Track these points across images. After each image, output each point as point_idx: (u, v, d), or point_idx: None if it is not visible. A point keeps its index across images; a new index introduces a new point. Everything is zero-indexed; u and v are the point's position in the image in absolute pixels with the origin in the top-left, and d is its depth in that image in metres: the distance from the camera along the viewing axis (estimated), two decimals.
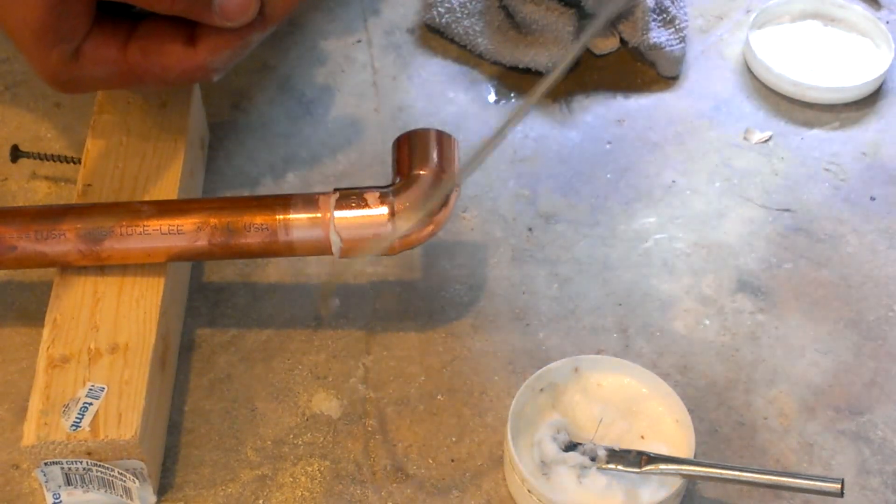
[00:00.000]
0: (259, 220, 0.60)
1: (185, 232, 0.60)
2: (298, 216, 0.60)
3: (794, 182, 0.74)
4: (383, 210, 0.60)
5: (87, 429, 0.56)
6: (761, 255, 0.70)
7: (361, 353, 0.65)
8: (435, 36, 0.83)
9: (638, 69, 0.81)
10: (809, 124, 0.78)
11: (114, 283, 0.62)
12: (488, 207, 0.72)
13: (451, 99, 0.79)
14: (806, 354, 0.65)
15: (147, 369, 0.58)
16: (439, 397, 0.63)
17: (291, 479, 0.60)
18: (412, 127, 0.65)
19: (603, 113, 0.78)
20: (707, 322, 0.67)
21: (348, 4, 0.85)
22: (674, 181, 0.74)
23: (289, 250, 0.61)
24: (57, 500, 0.58)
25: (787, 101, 0.79)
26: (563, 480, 0.58)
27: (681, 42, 0.80)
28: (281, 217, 0.60)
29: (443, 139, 0.63)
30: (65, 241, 0.60)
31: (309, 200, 0.61)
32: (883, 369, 0.65)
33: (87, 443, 0.55)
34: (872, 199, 0.73)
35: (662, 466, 0.57)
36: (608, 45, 0.81)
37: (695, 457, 0.58)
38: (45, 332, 0.60)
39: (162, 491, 0.59)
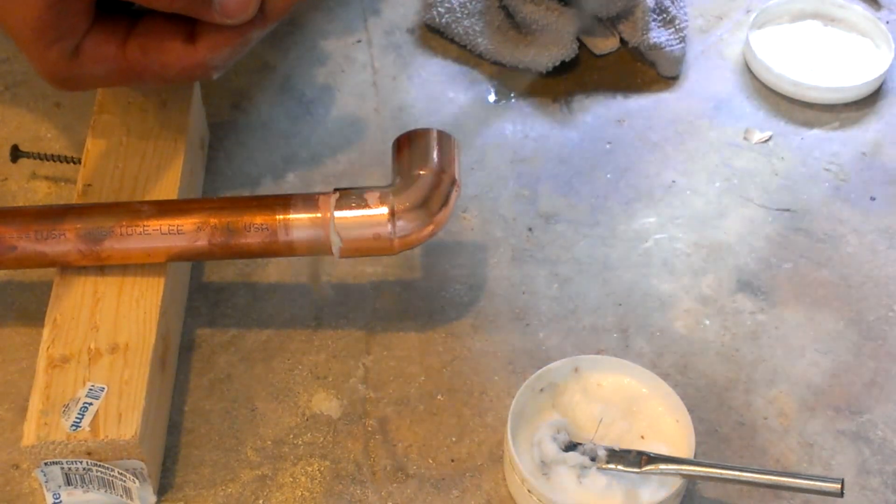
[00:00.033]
0: (259, 220, 0.60)
1: (185, 232, 0.60)
2: (298, 216, 0.60)
3: (794, 182, 0.74)
4: (383, 210, 0.60)
5: (87, 429, 0.56)
6: (761, 255, 0.70)
7: (361, 353, 0.65)
8: (435, 36, 0.83)
9: (638, 69, 0.81)
10: (809, 124, 0.78)
11: (114, 283, 0.62)
12: (488, 207, 0.72)
13: (451, 99, 0.79)
14: (806, 354, 0.65)
15: (147, 369, 0.58)
16: (439, 397, 0.63)
17: (291, 479, 0.60)
18: (412, 127, 0.65)
19: (603, 113, 0.78)
20: (707, 322, 0.67)
21: (348, 4, 0.85)
22: (674, 181, 0.74)
23: (289, 250, 0.61)
24: (57, 500, 0.58)
25: (787, 101, 0.79)
26: (563, 480, 0.58)
27: (681, 42, 0.80)
28: (281, 217, 0.60)
29: (443, 139, 0.63)
30: (65, 241, 0.60)
31: (309, 200, 0.61)
32: (883, 369, 0.65)
33: (87, 443, 0.55)
34: (872, 199, 0.73)
35: (662, 466, 0.57)
36: (608, 45, 0.82)
37: (695, 457, 0.58)
38: (45, 332, 0.60)
39: (162, 491, 0.59)
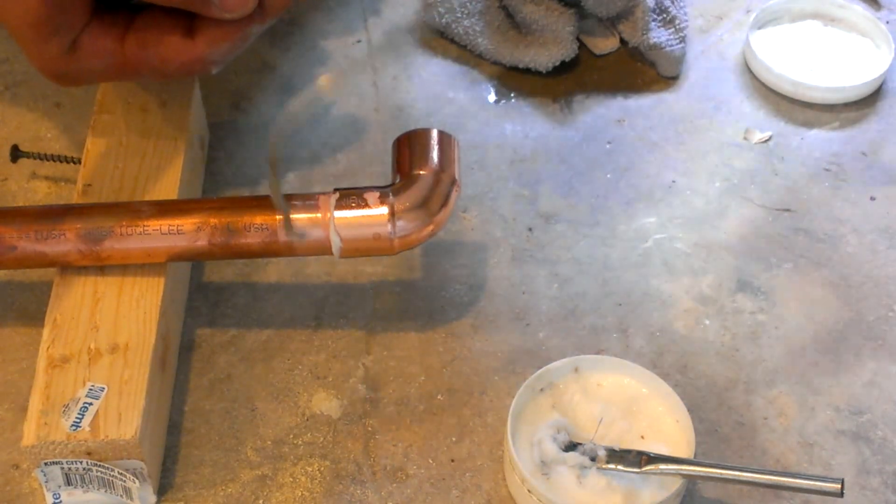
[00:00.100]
0: (259, 220, 0.60)
1: (185, 232, 0.60)
2: (298, 216, 0.60)
3: (794, 182, 0.74)
4: (383, 210, 0.60)
5: (87, 429, 0.56)
6: (761, 255, 0.70)
7: (361, 353, 0.65)
8: (435, 36, 0.83)
9: (638, 69, 0.81)
10: (809, 124, 0.78)
11: (114, 283, 0.62)
12: (488, 207, 0.72)
13: (451, 99, 0.79)
14: (806, 354, 0.65)
15: (147, 369, 0.58)
16: (439, 397, 0.63)
17: (291, 479, 0.60)
18: (412, 127, 0.65)
19: (603, 113, 0.78)
20: (707, 322, 0.67)
21: (348, 4, 0.85)
22: (674, 181, 0.74)
23: (289, 250, 0.61)
24: (57, 500, 0.58)
25: (787, 101, 0.79)
26: (563, 480, 0.58)
27: (681, 42, 0.80)
28: (281, 217, 0.60)
29: (443, 139, 0.63)
30: (65, 241, 0.60)
31: (309, 200, 0.61)
32: (883, 369, 0.65)
33: (87, 443, 0.55)
34: (872, 199, 0.73)
35: (662, 466, 0.57)
36: (608, 45, 0.82)
37: (695, 457, 0.58)
38: (45, 332, 0.60)
39: (162, 491, 0.59)
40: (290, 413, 0.62)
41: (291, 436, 0.62)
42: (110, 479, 0.57)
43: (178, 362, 0.64)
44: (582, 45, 0.81)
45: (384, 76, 0.80)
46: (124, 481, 0.57)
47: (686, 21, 0.82)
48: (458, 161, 0.63)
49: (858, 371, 0.65)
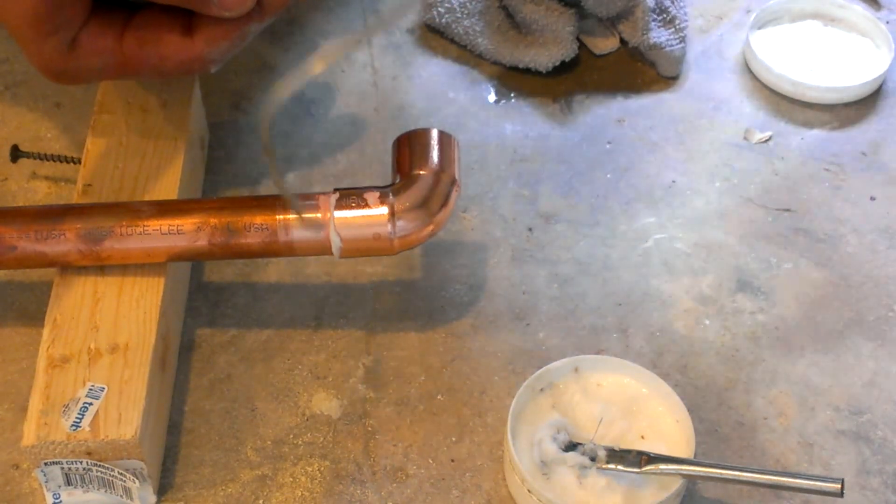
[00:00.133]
0: (259, 220, 0.60)
1: (185, 232, 0.60)
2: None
3: (794, 182, 0.74)
4: (383, 210, 0.60)
5: (87, 429, 0.56)
6: (761, 255, 0.70)
7: (361, 353, 0.65)
8: (435, 36, 0.83)
9: (638, 69, 0.81)
10: (809, 124, 0.78)
11: (114, 283, 0.62)
12: (488, 207, 0.72)
13: (451, 99, 0.79)
14: (806, 354, 0.65)
15: (147, 369, 0.58)
16: (439, 397, 0.63)
17: (291, 479, 0.60)
18: (412, 127, 0.65)
19: (603, 113, 0.78)
20: (707, 322, 0.67)
21: (348, 4, 0.85)
22: (674, 181, 0.74)
23: (289, 250, 0.61)
24: (57, 500, 0.58)
25: (787, 101, 0.79)
26: (563, 480, 0.58)
27: (681, 42, 0.80)
28: (281, 217, 0.60)
29: (443, 139, 0.63)
30: (65, 241, 0.60)
31: (309, 200, 0.61)
32: (883, 369, 0.65)
33: (87, 443, 0.55)
34: (872, 199, 0.73)
35: (662, 466, 0.57)
36: (608, 45, 0.82)
37: (695, 457, 0.58)
38: (45, 332, 0.60)
39: (162, 491, 0.59)
40: (290, 413, 0.62)
41: (291, 436, 0.62)
42: (110, 479, 0.57)
43: (178, 362, 0.64)
44: (582, 45, 0.81)
45: (384, 76, 0.80)
46: (124, 481, 0.57)
47: (686, 21, 0.82)
48: (458, 161, 0.63)
49: (858, 371, 0.65)
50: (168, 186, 0.66)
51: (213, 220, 0.60)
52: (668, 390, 0.60)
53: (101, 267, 0.62)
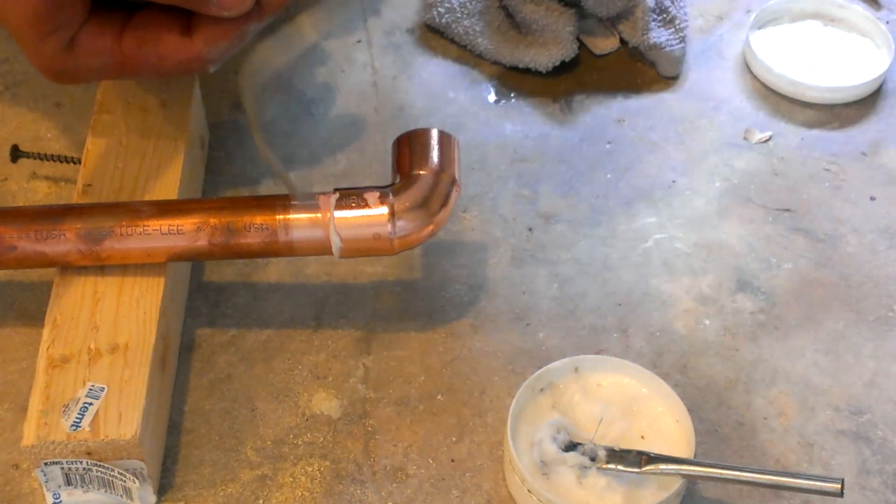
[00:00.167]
0: (259, 220, 0.60)
1: (185, 232, 0.60)
2: (298, 216, 0.60)
3: (794, 182, 0.74)
4: (383, 210, 0.60)
5: (87, 429, 0.56)
6: (761, 255, 0.70)
7: (361, 353, 0.65)
8: (435, 36, 0.83)
9: (638, 69, 0.81)
10: (809, 124, 0.78)
11: (114, 283, 0.62)
12: (488, 207, 0.72)
13: (451, 99, 0.79)
14: (806, 354, 0.65)
15: (147, 369, 0.58)
16: (439, 397, 0.63)
17: (291, 479, 0.60)
18: (412, 127, 0.65)
19: (603, 113, 0.78)
20: (707, 322, 0.67)
21: (348, 4, 0.85)
22: (674, 181, 0.74)
23: (289, 250, 0.61)
24: (57, 500, 0.58)
25: (787, 101, 0.79)
26: (563, 480, 0.58)
27: (681, 42, 0.80)
28: (281, 217, 0.60)
29: (443, 139, 0.63)
30: (65, 241, 0.60)
31: (309, 200, 0.61)
32: (883, 369, 0.65)
33: (87, 443, 0.55)
34: (872, 199, 0.73)
35: (662, 466, 0.57)
36: (608, 45, 0.82)
37: (695, 457, 0.58)
38: (45, 332, 0.60)
39: (162, 491, 0.59)
40: (290, 413, 0.62)
41: (291, 436, 0.62)
42: (110, 479, 0.57)
43: (178, 362, 0.64)
44: (582, 45, 0.81)
45: (384, 76, 0.80)
46: (124, 481, 0.57)
47: (686, 21, 0.82)
48: (458, 161, 0.63)
49: (858, 371, 0.65)
50: (168, 186, 0.66)
51: (213, 220, 0.60)
52: (668, 390, 0.60)
53: (101, 267, 0.62)
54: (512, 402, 0.59)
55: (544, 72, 0.79)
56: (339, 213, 0.60)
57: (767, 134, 0.77)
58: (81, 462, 0.56)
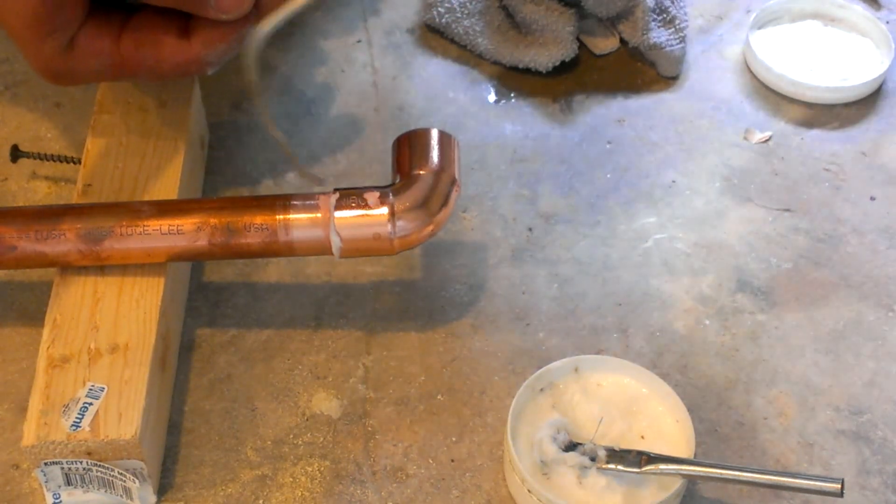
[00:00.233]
0: (259, 220, 0.60)
1: (185, 232, 0.60)
2: (298, 216, 0.60)
3: (794, 182, 0.74)
4: (383, 210, 0.60)
5: (87, 429, 0.56)
6: (761, 255, 0.70)
7: (361, 353, 0.65)
8: (435, 36, 0.83)
9: (638, 69, 0.81)
10: (809, 124, 0.78)
11: (114, 283, 0.62)
12: (488, 207, 0.72)
13: (451, 99, 0.79)
14: (806, 354, 0.65)
15: (147, 369, 0.58)
16: (439, 397, 0.63)
17: (291, 479, 0.60)
18: (412, 127, 0.65)
19: (603, 113, 0.78)
20: (707, 322, 0.67)
21: (348, 4, 0.85)
22: (674, 181, 0.74)
23: (289, 250, 0.61)
24: (57, 500, 0.58)
25: (787, 101, 0.79)
26: (563, 480, 0.58)
27: (681, 42, 0.80)
28: (281, 217, 0.60)
29: (443, 139, 0.63)
30: (65, 241, 0.60)
31: (309, 200, 0.61)
32: (883, 369, 0.65)
33: (87, 443, 0.55)
34: (872, 199, 0.73)
35: (662, 466, 0.57)
36: (608, 45, 0.82)
37: (695, 457, 0.58)
38: (45, 332, 0.60)
39: (162, 491, 0.59)
40: (290, 413, 0.62)
41: (291, 436, 0.62)
42: (110, 479, 0.57)
43: (178, 362, 0.64)
44: (582, 45, 0.81)
45: (384, 76, 0.80)
46: (124, 481, 0.57)
47: (686, 21, 0.82)
48: (458, 161, 0.63)
49: (858, 371, 0.65)
50: (168, 186, 0.66)
51: (213, 220, 0.60)
52: (668, 390, 0.60)
53: (101, 267, 0.62)
54: (512, 402, 0.59)
55: (544, 72, 0.79)
56: (339, 213, 0.60)
57: (767, 134, 0.77)
58: (81, 462, 0.56)
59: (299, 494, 0.59)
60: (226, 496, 0.59)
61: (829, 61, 0.80)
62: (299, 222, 0.60)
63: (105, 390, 0.57)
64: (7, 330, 0.66)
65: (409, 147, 0.63)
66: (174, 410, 0.62)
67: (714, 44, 0.83)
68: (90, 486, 0.57)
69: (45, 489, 0.57)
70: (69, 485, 0.57)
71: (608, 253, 0.70)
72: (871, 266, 0.70)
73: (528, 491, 0.57)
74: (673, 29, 0.80)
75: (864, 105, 0.79)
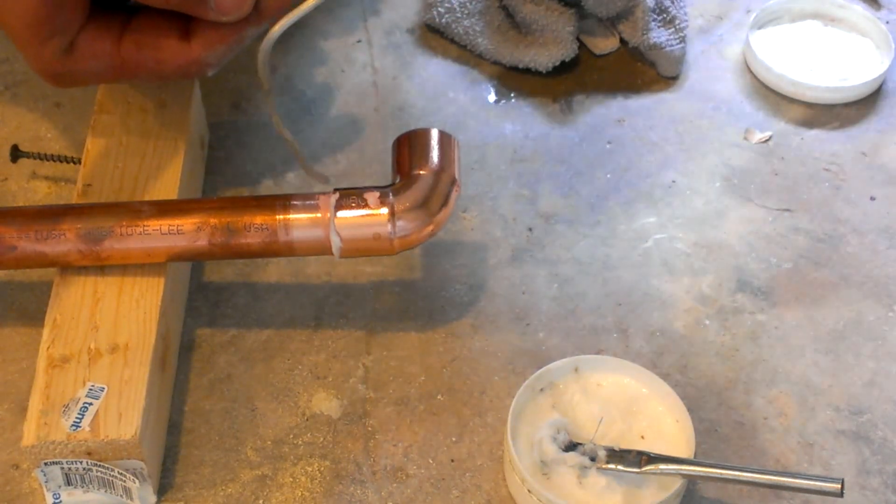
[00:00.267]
0: (259, 220, 0.60)
1: (185, 232, 0.60)
2: (298, 216, 0.60)
3: (794, 182, 0.74)
4: (383, 210, 0.60)
5: (87, 429, 0.56)
6: (761, 255, 0.70)
7: (361, 353, 0.65)
8: (435, 36, 0.83)
9: (638, 69, 0.81)
10: (809, 124, 0.78)
11: (114, 283, 0.62)
12: (488, 207, 0.72)
13: (451, 99, 0.79)
14: (806, 354, 0.65)
15: (147, 369, 0.58)
16: (439, 397, 0.63)
17: (291, 479, 0.60)
18: (412, 127, 0.65)
19: (603, 113, 0.78)
20: (707, 322, 0.67)
21: (348, 4, 0.85)
22: (674, 181, 0.74)
23: (289, 250, 0.61)
24: (57, 500, 0.58)
25: (787, 101, 0.79)
26: (563, 480, 0.58)
27: (681, 42, 0.80)
28: (281, 217, 0.60)
29: (443, 139, 0.63)
30: (65, 241, 0.60)
31: (309, 200, 0.61)
32: (883, 369, 0.65)
33: (87, 443, 0.55)
34: (872, 199, 0.73)
35: (662, 466, 0.57)
36: (608, 45, 0.82)
37: (695, 457, 0.58)
38: (45, 332, 0.60)
39: (162, 491, 0.59)
40: (290, 413, 0.62)
41: (291, 436, 0.62)
42: (110, 479, 0.57)
43: (178, 362, 0.64)
44: (582, 45, 0.81)
45: (384, 76, 0.80)
46: (124, 481, 0.57)
47: (686, 21, 0.82)
48: (458, 161, 0.63)
49: (858, 371, 0.65)
50: (168, 186, 0.66)
51: (213, 220, 0.60)
52: (668, 390, 0.60)
53: (101, 267, 0.62)
54: (512, 402, 0.59)
55: (544, 72, 0.79)
56: (339, 213, 0.60)
57: (767, 134, 0.77)
58: (81, 462, 0.56)
59: (299, 494, 0.59)
60: (226, 496, 0.59)
61: (829, 61, 0.80)
62: (299, 222, 0.60)
63: (105, 390, 0.57)
64: (7, 330, 0.66)
65: (409, 147, 0.63)
66: (174, 410, 0.62)
67: (714, 44, 0.83)
68: (90, 486, 0.57)
69: (45, 489, 0.57)
70: (69, 485, 0.57)
71: (608, 253, 0.70)
72: (871, 266, 0.70)
73: (528, 491, 0.57)
74: (673, 29, 0.80)
75: (864, 105, 0.79)
